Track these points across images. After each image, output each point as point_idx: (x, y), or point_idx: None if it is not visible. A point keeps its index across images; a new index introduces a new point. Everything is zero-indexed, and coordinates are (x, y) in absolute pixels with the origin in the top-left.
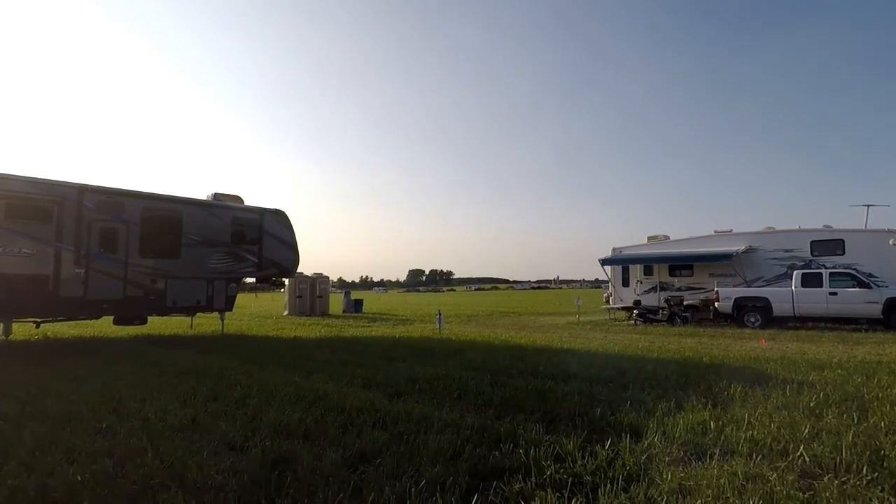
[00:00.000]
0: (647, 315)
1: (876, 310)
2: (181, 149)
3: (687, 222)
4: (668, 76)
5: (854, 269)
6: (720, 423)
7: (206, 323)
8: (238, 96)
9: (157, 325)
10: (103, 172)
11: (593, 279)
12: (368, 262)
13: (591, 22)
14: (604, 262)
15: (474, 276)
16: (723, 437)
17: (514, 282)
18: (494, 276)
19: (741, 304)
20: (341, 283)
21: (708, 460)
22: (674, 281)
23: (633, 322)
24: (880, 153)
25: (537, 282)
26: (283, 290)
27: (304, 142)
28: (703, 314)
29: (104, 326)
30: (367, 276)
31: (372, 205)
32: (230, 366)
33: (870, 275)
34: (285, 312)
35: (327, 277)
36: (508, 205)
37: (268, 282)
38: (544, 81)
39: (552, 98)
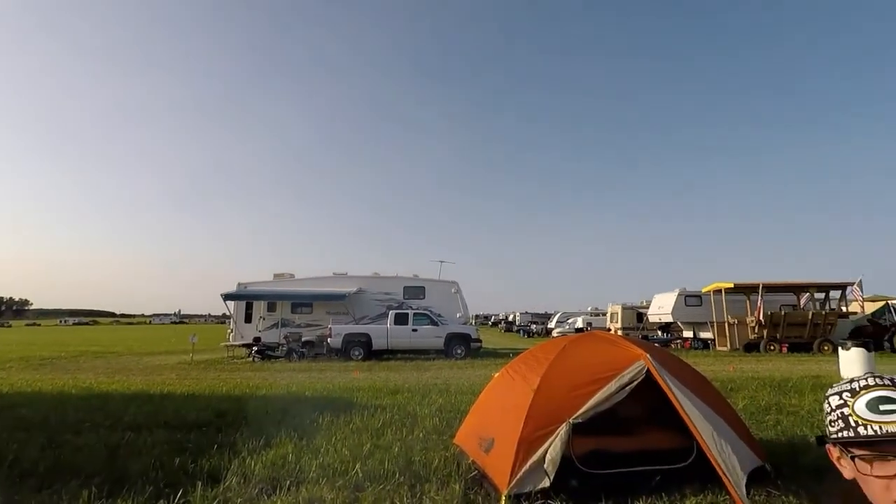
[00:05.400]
0: (265, 351)
1: (440, 343)
2: None
3: (310, 261)
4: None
5: (429, 311)
6: (300, 454)
7: None
8: None
9: None
10: None
11: (220, 314)
12: None
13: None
14: (227, 297)
15: (65, 308)
16: (298, 468)
17: (152, 315)
18: (95, 309)
19: (349, 340)
20: None
21: (279, 493)
22: (295, 318)
23: (251, 359)
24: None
25: (152, 315)
26: None
27: None
28: (318, 349)
29: None
30: None
31: None
32: None
33: (439, 315)
34: None
35: None
36: (125, 224)
37: None
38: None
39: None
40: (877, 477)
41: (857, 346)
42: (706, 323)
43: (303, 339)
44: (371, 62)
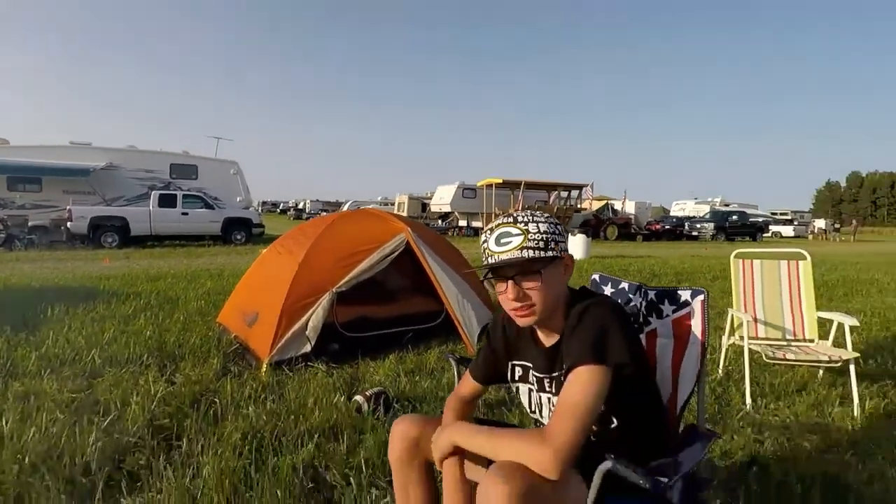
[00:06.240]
0: None
1: (217, 227)
2: None
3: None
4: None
5: (203, 193)
6: (14, 349)
7: None
8: None
9: None
10: None
11: None
12: None
13: None
14: None
15: None
16: (10, 363)
17: None
18: None
19: (98, 224)
20: None
21: None
22: (16, 197)
23: None
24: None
25: None
26: None
27: None
28: (54, 236)
29: None
30: None
31: None
32: None
33: (216, 198)
34: None
35: None
36: None
37: None
38: None
39: None
40: (500, 293)
41: (581, 233)
42: (478, 213)
43: (30, 223)
44: None
